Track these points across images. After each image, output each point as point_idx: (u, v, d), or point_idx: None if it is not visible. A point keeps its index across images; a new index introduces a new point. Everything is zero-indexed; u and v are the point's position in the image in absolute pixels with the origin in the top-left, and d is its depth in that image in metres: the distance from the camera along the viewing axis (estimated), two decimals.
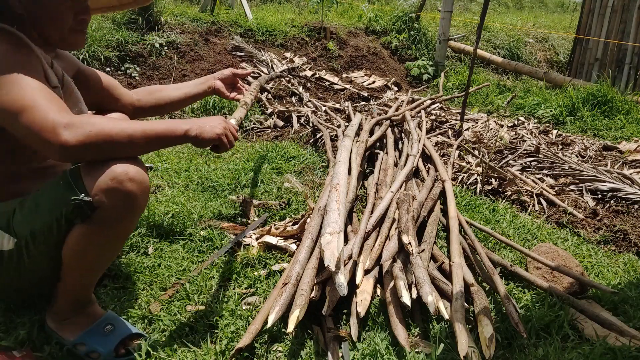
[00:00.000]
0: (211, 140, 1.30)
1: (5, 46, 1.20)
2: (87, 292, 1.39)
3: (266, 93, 4.57)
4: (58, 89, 1.33)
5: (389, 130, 3.27)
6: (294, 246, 1.93)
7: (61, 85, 1.38)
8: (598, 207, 2.57)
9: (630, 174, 2.94)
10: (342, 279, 1.39)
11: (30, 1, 1.30)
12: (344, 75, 5.76)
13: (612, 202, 2.63)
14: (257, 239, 2.01)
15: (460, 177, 2.92)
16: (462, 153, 3.33)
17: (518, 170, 3.05)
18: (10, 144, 1.30)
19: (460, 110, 4.06)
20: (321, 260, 1.58)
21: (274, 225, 2.11)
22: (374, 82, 5.72)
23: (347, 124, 3.52)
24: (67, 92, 1.42)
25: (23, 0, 1.29)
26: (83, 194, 1.16)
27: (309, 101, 4.58)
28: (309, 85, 5.07)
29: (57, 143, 1.12)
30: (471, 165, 3.08)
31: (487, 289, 1.70)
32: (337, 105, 4.56)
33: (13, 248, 1.26)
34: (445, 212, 2.22)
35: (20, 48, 1.24)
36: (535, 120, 4.48)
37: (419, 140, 2.95)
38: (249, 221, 2.21)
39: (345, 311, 1.57)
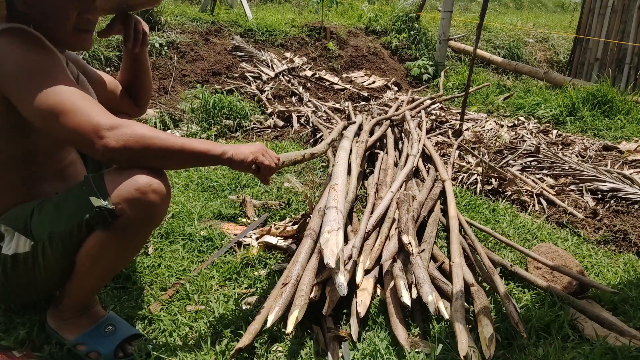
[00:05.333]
0: (244, 161, 1.32)
1: (28, 46, 1.18)
2: (93, 295, 1.40)
3: (266, 93, 4.57)
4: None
5: (389, 130, 3.27)
6: (294, 246, 1.93)
7: (76, 80, 1.38)
8: (598, 207, 2.57)
9: (630, 174, 2.94)
10: (342, 279, 1.39)
11: None
12: (344, 75, 5.76)
13: (612, 202, 2.63)
14: (257, 239, 2.01)
15: (460, 177, 2.92)
16: (462, 153, 3.33)
17: (518, 170, 3.05)
18: (26, 148, 1.29)
19: (460, 110, 4.06)
20: (321, 260, 1.58)
21: (274, 225, 2.11)
22: (374, 82, 5.72)
23: (346, 124, 3.52)
24: (84, 90, 1.42)
25: None
26: (107, 202, 1.18)
27: (309, 101, 4.58)
28: (309, 85, 5.07)
29: (100, 145, 1.14)
30: (471, 165, 3.08)
31: (487, 289, 1.70)
32: (337, 105, 4.56)
33: (29, 251, 1.26)
34: (445, 212, 2.22)
35: (44, 48, 1.21)
36: (535, 120, 4.48)
37: (419, 140, 2.95)
38: (249, 221, 2.21)
39: (345, 311, 1.56)
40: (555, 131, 4.06)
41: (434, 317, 1.53)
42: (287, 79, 5.01)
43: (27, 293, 1.38)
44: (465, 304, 1.51)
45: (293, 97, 4.69)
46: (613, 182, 2.77)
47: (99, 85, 1.65)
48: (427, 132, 3.66)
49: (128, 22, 1.58)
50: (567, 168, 3.02)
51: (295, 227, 2.03)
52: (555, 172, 3.01)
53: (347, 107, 4.29)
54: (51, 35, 1.30)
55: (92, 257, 1.25)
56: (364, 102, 4.94)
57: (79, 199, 1.21)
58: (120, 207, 1.18)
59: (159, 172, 1.24)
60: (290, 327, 1.29)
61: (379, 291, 1.66)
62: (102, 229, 1.21)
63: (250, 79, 4.80)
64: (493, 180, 2.85)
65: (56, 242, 1.23)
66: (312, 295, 1.47)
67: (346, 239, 1.89)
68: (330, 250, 1.45)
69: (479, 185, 2.78)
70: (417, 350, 1.37)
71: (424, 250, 1.75)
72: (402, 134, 3.34)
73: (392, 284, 1.56)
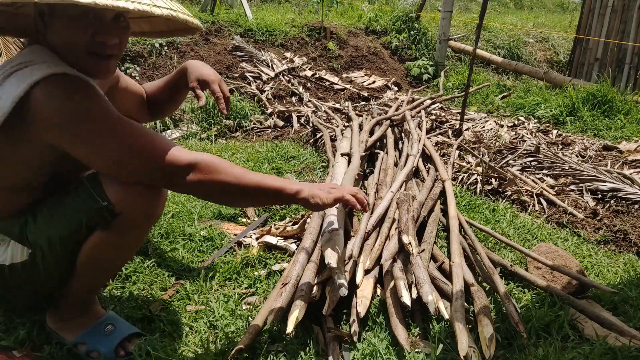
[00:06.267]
0: (328, 205, 1.30)
1: (75, 94, 1.10)
2: (93, 294, 1.41)
3: (266, 93, 4.57)
4: None
5: (389, 130, 3.27)
6: (294, 246, 1.93)
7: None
8: (598, 207, 2.57)
9: (630, 174, 2.94)
10: (343, 280, 1.40)
11: (47, 14, 1.15)
12: (344, 75, 5.76)
13: (612, 202, 2.63)
14: (257, 239, 2.01)
15: (460, 177, 2.92)
16: (462, 153, 3.33)
17: (518, 170, 3.05)
18: (41, 180, 1.25)
19: (460, 110, 4.06)
20: (321, 260, 1.58)
21: (274, 225, 2.11)
22: (374, 82, 5.72)
23: (346, 124, 3.52)
24: None
25: (43, 16, 1.17)
26: (106, 202, 1.17)
27: (309, 101, 4.58)
28: (309, 85, 5.07)
29: (176, 183, 1.17)
30: (471, 165, 3.08)
31: (487, 289, 1.70)
32: (337, 105, 4.56)
33: (27, 259, 1.25)
34: (445, 212, 2.22)
35: (89, 92, 1.13)
36: (535, 120, 4.47)
37: (419, 140, 2.94)
38: (249, 221, 2.21)
39: (345, 311, 1.56)
40: (555, 131, 4.06)
41: (434, 317, 1.53)
42: (287, 79, 5.01)
43: (26, 297, 1.37)
44: (465, 304, 1.51)
45: (293, 97, 4.69)
46: (613, 182, 2.77)
47: (122, 92, 1.60)
48: (427, 132, 3.66)
49: (215, 88, 1.58)
50: (567, 168, 3.02)
51: (295, 227, 2.03)
52: (555, 172, 3.00)
53: (347, 107, 4.29)
54: (66, 60, 1.17)
55: (93, 257, 1.25)
56: (364, 102, 4.94)
57: (76, 202, 1.21)
58: (119, 206, 1.18)
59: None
60: (290, 327, 1.29)
61: (379, 291, 1.66)
62: (102, 229, 1.21)
63: (250, 79, 4.80)
64: (493, 180, 2.85)
65: (55, 247, 1.23)
66: (313, 294, 1.47)
67: (346, 239, 1.89)
68: (331, 250, 1.45)
69: (479, 185, 2.78)
70: (417, 350, 1.36)
71: (424, 250, 1.75)
72: (402, 134, 3.34)
73: (392, 284, 1.55)
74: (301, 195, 1.26)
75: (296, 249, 1.89)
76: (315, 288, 1.50)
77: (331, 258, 1.41)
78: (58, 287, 1.34)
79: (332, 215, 1.71)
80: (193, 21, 1.24)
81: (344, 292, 1.37)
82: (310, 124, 3.85)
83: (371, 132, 3.17)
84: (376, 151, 2.98)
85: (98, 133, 1.11)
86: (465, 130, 3.91)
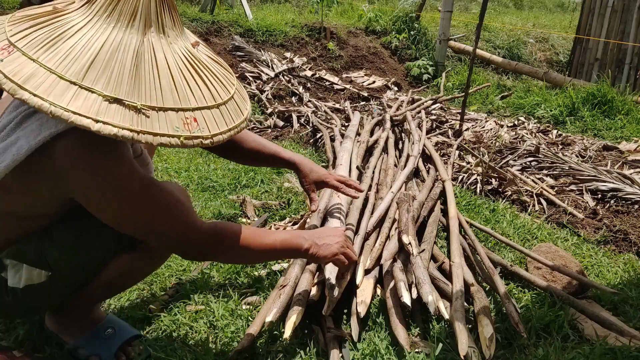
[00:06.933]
0: (327, 260, 1.35)
1: (97, 148, 1.00)
2: (100, 303, 1.41)
3: (266, 93, 4.57)
4: (139, 157, 1.22)
5: (390, 130, 3.27)
6: None
7: (141, 153, 1.25)
8: (598, 207, 2.57)
9: (630, 174, 2.94)
10: (335, 292, 1.42)
11: None
12: (344, 75, 5.76)
13: (612, 202, 2.63)
14: None
15: (460, 177, 2.92)
16: (462, 153, 3.33)
17: (518, 170, 3.05)
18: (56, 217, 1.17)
19: (460, 110, 4.06)
20: None
21: (274, 225, 2.11)
22: (374, 82, 5.72)
23: (345, 124, 3.52)
24: (144, 158, 1.27)
25: None
26: None
27: (309, 101, 4.58)
28: (309, 85, 5.07)
29: (188, 252, 1.18)
30: (471, 165, 3.08)
31: (487, 289, 1.70)
32: (337, 105, 4.56)
33: (45, 280, 1.17)
34: (445, 212, 2.22)
35: (111, 147, 1.02)
36: (535, 120, 4.47)
37: (420, 140, 2.94)
38: (249, 221, 2.21)
39: (345, 311, 1.57)
40: (555, 131, 4.06)
41: (434, 317, 1.53)
42: (287, 79, 5.01)
43: (36, 311, 1.35)
44: (465, 304, 1.51)
45: (293, 97, 4.69)
46: (613, 182, 2.77)
47: None
48: (427, 132, 3.66)
49: (335, 184, 1.66)
50: (567, 168, 3.02)
51: (295, 227, 2.03)
52: (555, 172, 3.00)
53: (347, 107, 4.29)
54: None
55: (113, 277, 1.24)
56: (364, 102, 4.94)
57: (104, 229, 1.13)
58: None
59: (185, 192, 1.24)
60: (288, 332, 1.29)
61: (379, 291, 1.67)
62: (129, 253, 1.21)
63: (250, 79, 4.80)
64: (493, 180, 2.85)
65: (77, 271, 1.20)
66: (312, 294, 1.47)
67: None
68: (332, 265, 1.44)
69: (479, 185, 2.78)
70: (417, 350, 1.36)
71: (424, 250, 1.75)
72: (403, 134, 3.34)
73: (392, 284, 1.55)
74: (310, 251, 1.31)
75: None
76: (315, 289, 1.50)
77: (332, 273, 1.42)
78: (68, 298, 1.30)
79: (335, 222, 1.70)
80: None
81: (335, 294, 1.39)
82: (310, 124, 3.85)
83: (371, 133, 3.17)
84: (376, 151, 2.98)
85: (122, 202, 1.04)
86: (465, 130, 3.91)
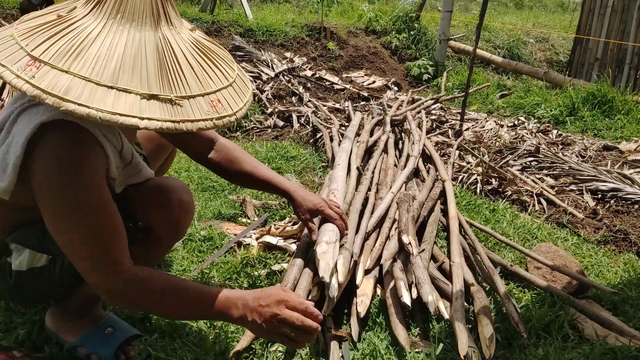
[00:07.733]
0: (270, 339, 1.27)
1: (72, 154, 1.01)
2: (98, 298, 1.39)
3: (266, 93, 4.57)
4: (129, 165, 1.22)
5: (389, 130, 3.27)
6: (293, 246, 1.93)
7: (131, 160, 1.23)
8: (598, 207, 2.57)
9: (630, 174, 2.94)
10: (333, 291, 1.40)
11: None
12: (344, 75, 5.76)
13: (612, 202, 2.63)
14: (257, 239, 2.01)
15: (460, 177, 2.92)
16: (462, 153, 3.33)
17: (518, 170, 3.05)
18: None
19: (460, 110, 4.06)
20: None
21: (274, 225, 2.11)
22: (374, 82, 5.72)
23: (345, 124, 3.52)
24: (135, 166, 1.26)
25: None
26: (140, 222, 1.18)
27: (309, 101, 4.57)
28: (309, 85, 5.07)
29: (106, 292, 1.09)
30: (471, 165, 3.08)
31: (487, 288, 1.70)
32: (337, 105, 4.56)
33: (46, 264, 1.21)
34: (445, 212, 2.22)
35: (81, 144, 1.04)
36: (535, 120, 4.47)
37: (420, 140, 2.94)
38: (249, 221, 2.21)
39: (345, 311, 1.57)
40: (555, 131, 4.06)
41: (434, 317, 1.53)
42: (287, 79, 5.00)
43: (39, 297, 1.34)
44: (465, 304, 1.51)
45: (293, 97, 4.69)
46: (613, 182, 2.77)
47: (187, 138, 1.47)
48: (427, 132, 3.66)
49: (330, 213, 1.62)
50: (567, 168, 3.02)
51: (295, 227, 2.03)
52: (555, 172, 3.00)
53: (347, 107, 4.29)
54: None
55: None
56: (364, 102, 4.94)
57: None
58: (147, 223, 1.20)
59: (186, 188, 1.25)
60: None
61: (379, 291, 1.66)
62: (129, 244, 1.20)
63: (250, 79, 4.80)
64: (493, 180, 2.85)
65: None
66: (312, 296, 1.47)
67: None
68: (326, 262, 1.43)
69: (479, 185, 2.78)
70: (417, 350, 1.37)
71: (424, 250, 1.75)
72: (403, 134, 3.34)
73: (392, 284, 1.55)
74: (243, 320, 1.13)
75: (296, 249, 1.89)
76: (315, 288, 1.50)
77: (326, 272, 1.40)
78: (71, 291, 1.31)
79: (331, 225, 1.67)
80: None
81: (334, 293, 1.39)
82: (310, 124, 3.85)
83: (371, 133, 3.17)
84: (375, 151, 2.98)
85: (68, 210, 1.03)
86: (466, 130, 3.91)
